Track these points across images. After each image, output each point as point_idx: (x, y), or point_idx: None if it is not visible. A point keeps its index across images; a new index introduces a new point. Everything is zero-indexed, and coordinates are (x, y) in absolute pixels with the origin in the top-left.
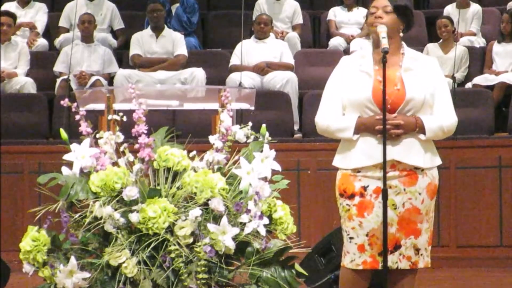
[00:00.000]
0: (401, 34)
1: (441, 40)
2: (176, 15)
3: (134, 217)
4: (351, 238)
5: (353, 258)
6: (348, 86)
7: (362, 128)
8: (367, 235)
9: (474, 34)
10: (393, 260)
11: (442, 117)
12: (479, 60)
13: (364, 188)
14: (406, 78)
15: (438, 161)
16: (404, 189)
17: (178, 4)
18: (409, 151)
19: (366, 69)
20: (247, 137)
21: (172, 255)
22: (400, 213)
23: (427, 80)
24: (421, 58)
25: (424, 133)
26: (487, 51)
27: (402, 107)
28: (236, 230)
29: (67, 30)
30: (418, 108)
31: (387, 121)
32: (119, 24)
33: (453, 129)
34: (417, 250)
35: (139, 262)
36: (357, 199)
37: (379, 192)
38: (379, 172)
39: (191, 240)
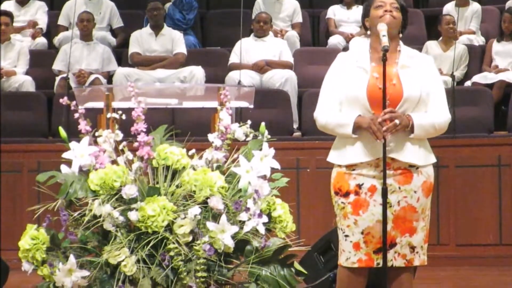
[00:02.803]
0: (400, 35)
1: (440, 38)
2: (168, 14)
3: (133, 216)
4: (346, 236)
5: (348, 256)
6: (345, 82)
7: (359, 127)
8: (362, 233)
9: (474, 33)
10: (388, 258)
11: (434, 114)
12: (479, 58)
13: (359, 186)
14: (402, 75)
15: (432, 159)
16: (399, 188)
17: (170, 3)
18: (403, 149)
19: (363, 66)
20: (246, 136)
21: (171, 253)
22: (395, 211)
23: (423, 78)
24: (417, 56)
25: (413, 131)
26: (486, 49)
27: (400, 105)
28: (235, 229)
29: (66, 29)
30: (414, 105)
31: (384, 120)
32: (118, 23)
33: (445, 127)
34: (412, 248)
35: (138, 261)
36: (352, 197)
37: (374, 190)
38: (374, 170)
39: (190, 238)
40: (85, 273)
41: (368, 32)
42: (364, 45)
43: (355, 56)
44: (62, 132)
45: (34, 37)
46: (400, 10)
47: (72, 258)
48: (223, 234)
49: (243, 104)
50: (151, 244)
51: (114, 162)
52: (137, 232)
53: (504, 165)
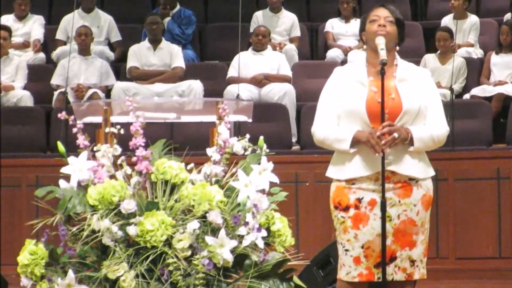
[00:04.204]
0: (397, 48)
1: (438, 51)
2: (167, 28)
3: (132, 230)
4: (346, 250)
5: (349, 270)
6: (343, 96)
7: (357, 141)
8: (362, 247)
9: (472, 45)
10: (388, 272)
11: (432, 127)
12: (477, 71)
13: (359, 200)
14: (401, 88)
15: (431, 172)
16: (399, 201)
17: (169, 18)
18: (403, 162)
19: (361, 80)
20: (245, 150)
21: (170, 268)
22: (395, 225)
23: (421, 91)
24: (414, 69)
25: (412, 144)
26: (484, 61)
27: (399, 118)
28: (234, 243)
29: (64, 43)
30: (412, 118)
31: (383, 133)
32: (116, 36)
33: (443, 139)
34: (412, 262)
35: (137, 275)
36: (352, 211)
37: (374, 204)
38: (373, 184)
39: (189, 253)
40: None
41: (365, 46)
42: (360, 59)
43: (352, 70)
44: (61, 147)
45: (36, 50)
46: (395, 23)
47: (71, 273)
48: (222, 249)
49: (242, 118)
50: (150, 258)
51: (112, 176)
52: (136, 247)
53: (503, 178)
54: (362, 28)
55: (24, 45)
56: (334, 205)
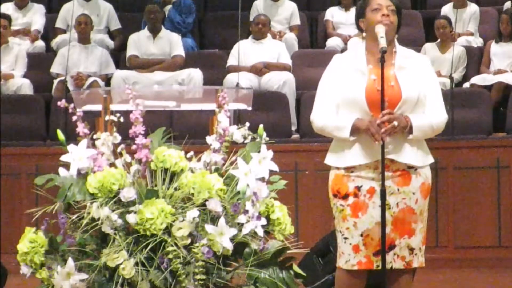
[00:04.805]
0: (396, 35)
1: (438, 40)
2: (169, 16)
3: (131, 219)
4: (345, 238)
5: (348, 258)
6: (342, 84)
7: (357, 129)
8: (361, 235)
9: (472, 34)
10: (387, 260)
11: (431, 114)
12: (477, 60)
13: (358, 188)
14: (400, 76)
15: (430, 159)
16: (398, 189)
17: (170, 6)
18: (402, 150)
19: (360, 68)
20: (245, 138)
21: (170, 256)
22: (394, 213)
23: (420, 79)
24: (413, 56)
25: (411, 132)
26: (484, 50)
27: (399, 107)
28: (233, 231)
29: (64, 32)
30: (412, 106)
31: (383, 122)
32: (116, 25)
33: (442, 127)
34: (411, 250)
35: (136, 264)
36: (351, 199)
37: (372, 193)
38: (372, 172)
39: (188, 241)
40: (84, 276)
41: (364, 34)
42: (360, 47)
43: (351, 58)
44: (60, 135)
45: (33, 40)
46: (396, 11)
47: (70, 261)
48: (222, 237)
49: (241, 106)
50: (149, 247)
51: (112, 165)
52: (135, 235)
53: (503, 166)
54: (360, 15)
55: (24, 33)
56: (333, 193)
